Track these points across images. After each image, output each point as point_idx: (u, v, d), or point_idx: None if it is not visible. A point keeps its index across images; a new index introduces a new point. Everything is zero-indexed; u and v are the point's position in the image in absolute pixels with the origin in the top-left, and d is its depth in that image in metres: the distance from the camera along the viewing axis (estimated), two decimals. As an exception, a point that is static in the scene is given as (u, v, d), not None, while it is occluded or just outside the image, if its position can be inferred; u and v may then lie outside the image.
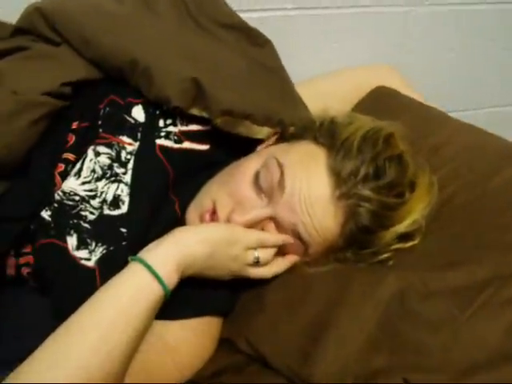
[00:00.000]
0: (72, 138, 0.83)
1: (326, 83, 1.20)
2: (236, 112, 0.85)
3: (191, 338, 0.78)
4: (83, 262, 0.76)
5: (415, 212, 0.79)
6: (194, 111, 0.87)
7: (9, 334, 0.79)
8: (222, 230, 0.76)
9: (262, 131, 0.90)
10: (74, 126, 0.85)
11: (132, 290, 0.67)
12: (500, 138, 1.02)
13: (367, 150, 0.77)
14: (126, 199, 0.80)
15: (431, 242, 0.81)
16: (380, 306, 0.74)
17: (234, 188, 0.80)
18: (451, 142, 0.98)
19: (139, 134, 0.85)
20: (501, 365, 0.66)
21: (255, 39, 1.02)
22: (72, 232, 0.77)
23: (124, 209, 0.80)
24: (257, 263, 0.79)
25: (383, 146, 0.78)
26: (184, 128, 0.88)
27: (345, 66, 1.26)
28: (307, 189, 0.76)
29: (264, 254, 0.79)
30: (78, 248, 0.76)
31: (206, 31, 0.99)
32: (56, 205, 0.78)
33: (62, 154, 0.82)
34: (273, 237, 0.79)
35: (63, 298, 0.75)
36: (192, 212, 0.82)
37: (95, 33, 0.87)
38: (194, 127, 0.89)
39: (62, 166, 0.81)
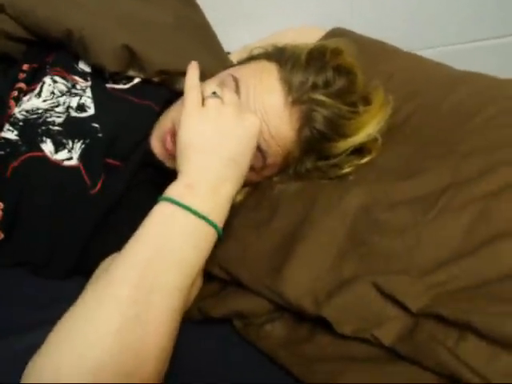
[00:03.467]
0: (23, 76, 0.85)
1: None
2: (171, 71, 0.89)
3: None
4: (65, 162, 0.77)
5: (370, 125, 0.82)
6: (131, 73, 0.90)
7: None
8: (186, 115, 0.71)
9: None
10: (25, 67, 0.87)
11: (158, 221, 0.64)
12: (448, 66, 1.07)
13: (315, 62, 0.80)
14: (91, 105, 0.82)
15: (390, 158, 0.85)
16: (347, 217, 0.77)
17: None
18: (405, 69, 1.03)
19: (89, 78, 0.87)
20: (459, 261, 0.70)
21: None
22: (44, 138, 0.77)
23: (91, 111, 0.81)
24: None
25: (330, 57, 0.82)
26: None
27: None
28: (261, 97, 0.78)
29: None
30: (57, 151, 0.77)
31: None
32: (21, 123, 0.78)
33: (14, 85, 0.83)
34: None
35: (53, 212, 0.76)
36: (154, 137, 0.84)
37: (30, 5, 0.87)
38: None
39: (15, 93, 0.82)
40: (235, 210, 0.84)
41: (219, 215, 0.67)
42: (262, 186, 0.86)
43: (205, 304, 0.79)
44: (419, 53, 1.17)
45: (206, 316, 0.78)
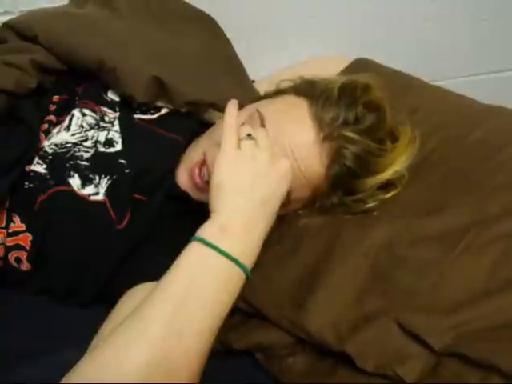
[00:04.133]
0: (53, 107, 0.86)
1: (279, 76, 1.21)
2: (198, 102, 0.91)
3: None
4: (92, 197, 0.78)
5: (397, 162, 0.83)
6: (159, 103, 0.91)
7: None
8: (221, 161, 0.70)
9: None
10: (55, 99, 0.88)
11: (191, 262, 0.64)
12: (471, 99, 1.08)
13: (346, 98, 0.81)
14: (119, 140, 0.83)
15: (414, 193, 0.85)
16: (370, 253, 0.78)
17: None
18: (429, 101, 1.03)
19: (117, 108, 0.88)
20: (484, 300, 0.70)
21: (209, 27, 1.08)
22: (72, 173, 0.78)
23: (118, 147, 0.83)
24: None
25: (361, 93, 0.82)
26: None
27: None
28: (291, 134, 0.79)
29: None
30: (84, 185, 0.78)
31: (163, 25, 1.03)
32: (50, 157, 0.80)
33: (44, 117, 0.84)
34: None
35: (79, 246, 0.77)
36: (181, 169, 0.85)
37: (63, 36, 0.90)
38: None
39: (45, 126, 0.83)
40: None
41: (250, 258, 0.67)
42: (287, 219, 0.86)
43: (227, 336, 0.79)
44: (440, 83, 1.18)
45: (227, 348, 0.78)
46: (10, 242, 0.77)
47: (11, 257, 0.78)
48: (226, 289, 0.64)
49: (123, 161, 0.81)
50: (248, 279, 0.67)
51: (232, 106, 0.77)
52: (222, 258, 0.63)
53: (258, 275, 0.79)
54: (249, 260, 0.66)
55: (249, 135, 0.72)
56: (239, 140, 0.72)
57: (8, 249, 0.78)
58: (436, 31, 1.45)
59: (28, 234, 0.77)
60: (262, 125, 0.79)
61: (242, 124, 0.79)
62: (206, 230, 0.65)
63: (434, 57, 1.49)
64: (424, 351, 0.68)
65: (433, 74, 1.41)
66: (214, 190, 0.69)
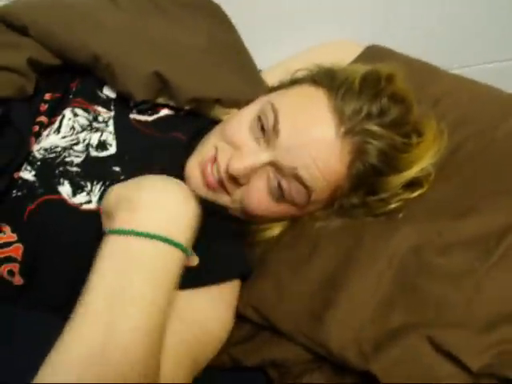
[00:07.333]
0: (45, 107, 0.80)
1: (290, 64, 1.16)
2: (204, 98, 0.84)
3: (213, 310, 0.71)
4: (84, 206, 0.72)
5: (424, 159, 0.76)
6: (161, 100, 0.85)
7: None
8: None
9: (230, 112, 0.87)
10: (48, 97, 0.82)
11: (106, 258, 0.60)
12: (497, 88, 1.00)
13: (369, 89, 0.74)
14: (113, 142, 0.77)
15: (442, 191, 0.78)
16: (394, 260, 0.71)
17: (232, 134, 0.76)
18: (452, 92, 0.96)
19: (112, 107, 0.83)
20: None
21: (214, 15, 1.01)
22: (62, 180, 0.72)
23: (112, 150, 0.77)
24: None
25: (385, 84, 0.75)
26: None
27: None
28: (308, 130, 0.72)
29: None
30: (75, 194, 0.72)
31: (165, 13, 0.96)
32: (39, 163, 0.74)
33: (35, 118, 0.79)
34: None
35: (72, 258, 0.71)
36: (193, 163, 0.79)
37: (57, 28, 0.83)
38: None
39: (36, 128, 0.78)
40: (270, 246, 0.78)
41: (177, 232, 0.61)
42: (300, 222, 0.80)
43: (237, 351, 0.73)
44: (457, 71, 1.12)
45: (238, 365, 0.72)
46: (2, 253, 0.71)
47: (4, 270, 0.71)
48: (155, 272, 0.58)
49: (117, 168, 0.75)
50: (187, 255, 0.61)
51: None
52: (143, 240, 0.58)
53: (269, 283, 0.75)
54: (177, 234, 0.60)
55: None
56: None
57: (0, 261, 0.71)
58: (453, 15, 1.38)
59: (19, 244, 0.71)
60: (276, 120, 0.73)
61: (254, 117, 0.75)
62: (114, 222, 0.60)
63: (448, 43, 1.42)
64: (459, 372, 0.62)
65: (449, 61, 1.34)
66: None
